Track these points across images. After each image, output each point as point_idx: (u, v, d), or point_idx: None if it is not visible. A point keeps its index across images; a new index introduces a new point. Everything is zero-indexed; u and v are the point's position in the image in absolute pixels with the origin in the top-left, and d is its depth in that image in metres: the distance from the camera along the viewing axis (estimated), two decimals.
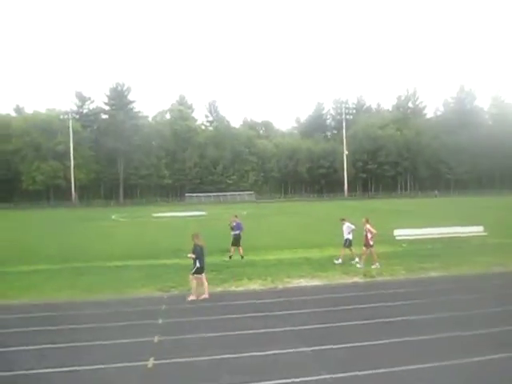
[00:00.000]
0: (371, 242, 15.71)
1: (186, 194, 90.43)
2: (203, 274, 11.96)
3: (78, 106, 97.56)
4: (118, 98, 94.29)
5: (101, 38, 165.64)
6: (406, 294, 12.01)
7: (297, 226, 31.79)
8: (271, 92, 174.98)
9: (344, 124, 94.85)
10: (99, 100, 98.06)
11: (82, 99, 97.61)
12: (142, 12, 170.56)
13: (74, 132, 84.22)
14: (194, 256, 11.83)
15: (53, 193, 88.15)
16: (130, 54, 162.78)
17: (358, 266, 15.72)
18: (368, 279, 14.02)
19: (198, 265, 11.79)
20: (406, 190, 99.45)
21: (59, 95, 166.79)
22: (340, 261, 16.44)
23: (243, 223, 19.28)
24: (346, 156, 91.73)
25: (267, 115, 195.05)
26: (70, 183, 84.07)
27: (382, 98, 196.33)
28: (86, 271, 16.07)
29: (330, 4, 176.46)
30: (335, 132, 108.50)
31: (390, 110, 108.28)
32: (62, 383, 7.05)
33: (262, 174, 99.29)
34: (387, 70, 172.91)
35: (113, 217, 48.19)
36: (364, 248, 15.89)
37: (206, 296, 11.92)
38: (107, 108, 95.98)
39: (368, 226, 15.82)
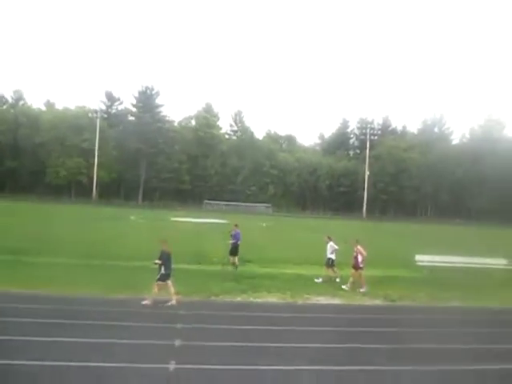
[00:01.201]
0: (361, 265, 15.12)
1: (205, 201, 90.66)
2: (169, 281, 11.71)
3: (107, 106, 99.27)
4: (146, 101, 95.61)
5: (133, 41, 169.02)
6: (424, 321, 11.78)
7: (315, 243, 31.50)
8: (297, 106, 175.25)
9: (368, 144, 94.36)
10: (128, 101, 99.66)
11: (112, 99, 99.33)
12: (173, 17, 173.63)
13: (100, 130, 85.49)
14: (159, 262, 11.70)
15: (74, 188, 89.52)
16: (162, 59, 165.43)
17: (343, 287, 15.06)
18: (388, 302, 13.81)
19: (163, 271, 11.63)
20: (426, 215, 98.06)
21: (90, 94, 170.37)
22: (320, 280, 16.13)
23: (243, 233, 18.91)
24: (368, 177, 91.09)
25: (291, 129, 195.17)
26: (92, 181, 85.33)
27: (408, 121, 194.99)
28: (106, 269, 16.22)
29: (359, 19, 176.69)
30: (358, 151, 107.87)
31: (416, 133, 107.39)
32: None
33: (282, 188, 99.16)
34: (415, 92, 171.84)
35: (132, 217, 48.61)
36: (353, 270, 15.31)
37: (173, 302, 11.68)
38: (134, 110, 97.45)
39: (359, 247, 15.40)
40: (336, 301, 13.60)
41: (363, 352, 8.99)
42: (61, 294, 12.20)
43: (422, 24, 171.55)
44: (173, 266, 11.95)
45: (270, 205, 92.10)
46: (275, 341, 9.32)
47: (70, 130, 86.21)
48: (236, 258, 17.93)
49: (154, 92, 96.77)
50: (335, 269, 16.40)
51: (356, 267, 15.16)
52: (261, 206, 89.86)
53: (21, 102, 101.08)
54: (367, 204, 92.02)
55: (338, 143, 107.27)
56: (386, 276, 17.30)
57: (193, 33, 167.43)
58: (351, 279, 15.22)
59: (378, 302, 13.86)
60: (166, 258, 11.68)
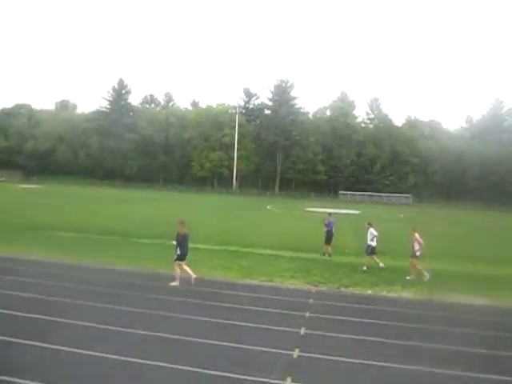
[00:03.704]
0: (417, 253, 14.63)
1: (340, 192, 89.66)
2: (180, 262, 12.01)
3: (245, 102, 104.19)
4: (281, 94, 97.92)
5: (267, 37, 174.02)
6: None
7: (458, 236, 28.94)
8: (440, 88, 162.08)
9: None
10: (264, 96, 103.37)
11: (249, 95, 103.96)
12: (305, 11, 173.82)
13: (239, 125, 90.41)
14: (174, 243, 12.14)
15: (217, 180, 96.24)
16: (295, 51, 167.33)
17: (407, 278, 14.45)
18: None
19: (178, 252, 11.94)
20: None
21: (230, 91, 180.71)
22: (365, 268, 15.56)
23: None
24: None
25: (435, 114, 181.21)
26: (232, 172, 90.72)
27: None
28: (243, 255, 17.07)
29: None
30: None
31: None
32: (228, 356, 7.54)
33: (424, 177, 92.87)
34: None
35: (268, 207, 50.38)
36: (413, 259, 14.75)
37: (176, 283, 11.97)
38: (270, 104, 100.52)
39: (416, 235, 14.78)
40: (481, 301, 12.19)
41: None
42: (201, 277, 13.14)
43: None
44: (189, 246, 12.39)
45: (409, 195, 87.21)
46: (404, 338, 8.77)
47: (212, 127, 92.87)
48: (329, 247, 18.08)
49: (288, 85, 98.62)
50: (375, 257, 15.95)
51: (413, 255, 14.71)
52: (400, 197, 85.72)
53: (171, 103, 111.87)
54: None
55: (490, 126, 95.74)
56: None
57: (324, 23, 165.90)
58: (414, 268, 14.72)
59: None
60: (180, 240, 12.08)
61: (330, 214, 19.77)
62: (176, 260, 12.08)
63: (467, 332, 9.44)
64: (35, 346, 7.27)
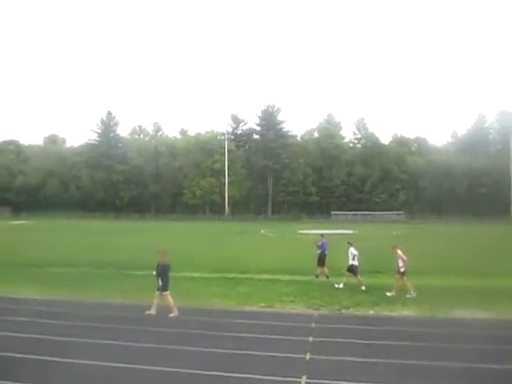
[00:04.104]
0: (402, 270, 14.68)
1: (333, 212, 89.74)
2: (165, 293, 11.80)
3: (233, 128, 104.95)
4: (269, 119, 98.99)
5: (254, 64, 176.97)
6: None
7: (452, 251, 28.94)
8: (425, 106, 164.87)
9: (511, 138, 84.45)
10: (252, 121, 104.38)
11: (237, 121, 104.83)
12: (290, 36, 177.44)
13: (228, 151, 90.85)
14: (154, 273, 11.92)
15: (208, 206, 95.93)
16: (279, 76, 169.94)
17: (387, 293, 14.56)
18: None
19: (160, 282, 11.74)
20: None
21: (217, 119, 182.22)
22: (363, 288, 15.44)
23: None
24: None
25: (421, 130, 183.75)
26: (224, 198, 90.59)
27: None
28: (240, 282, 16.86)
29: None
30: (499, 147, 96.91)
31: None
32: None
33: (414, 193, 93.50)
34: None
35: (262, 231, 50.15)
36: (397, 276, 14.82)
37: (175, 314, 11.72)
38: (258, 128, 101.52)
39: (399, 252, 14.87)
40: (482, 315, 12.09)
41: None
42: (199, 307, 12.94)
43: None
44: (170, 275, 12.11)
45: (402, 212, 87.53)
46: (409, 358, 8.63)
47: (202, 154, 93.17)
48: (325, 269, 17.78)
49: (275, 109, 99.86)
50: (348, 275, 15.98)
51: (398, 272, 14.82)
52: (392, 214, 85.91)
53: (159, 133, 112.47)
54: None
55: (475, 140, 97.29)
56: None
57: (307, 46, 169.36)
58: (396, 284, 14.88)
59: None
60: (161, 270, 11.85)
61: (322, 235, 19.63)
62: (163, 292, 11.86)
63: (474, 347, 9.33)
64: None
